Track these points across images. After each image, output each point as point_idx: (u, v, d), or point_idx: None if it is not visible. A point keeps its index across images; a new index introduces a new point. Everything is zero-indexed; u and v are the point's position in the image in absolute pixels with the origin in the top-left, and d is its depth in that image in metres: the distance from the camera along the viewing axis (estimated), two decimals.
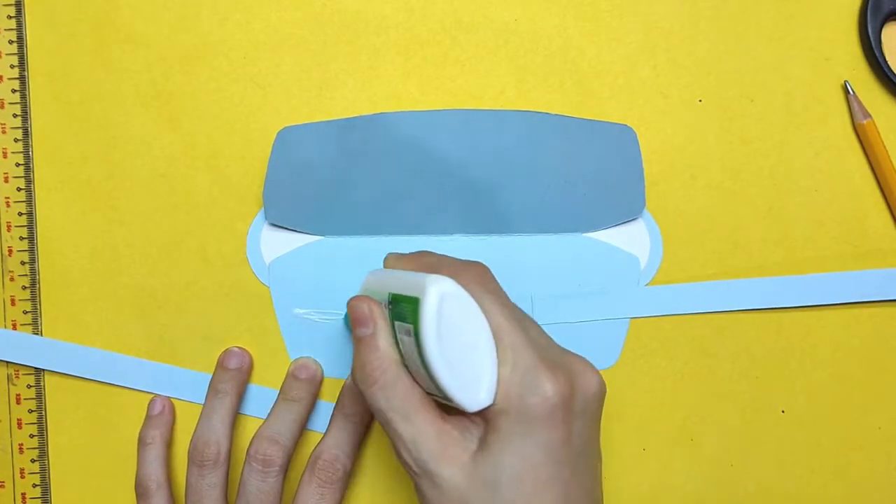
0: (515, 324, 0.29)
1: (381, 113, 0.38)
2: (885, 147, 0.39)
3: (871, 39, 0.39)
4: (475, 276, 0.31)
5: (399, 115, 0.38)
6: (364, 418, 0.37)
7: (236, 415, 0.38)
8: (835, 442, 0.39)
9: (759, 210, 0.39)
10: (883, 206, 0.39)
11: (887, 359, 0.40)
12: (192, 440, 0.36)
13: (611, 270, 0.39)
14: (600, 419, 0.31)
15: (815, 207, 0.39)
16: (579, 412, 0.29)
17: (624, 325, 0.39)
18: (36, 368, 0.39)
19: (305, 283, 0.39)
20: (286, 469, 0.36)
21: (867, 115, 0.39)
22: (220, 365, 0.38)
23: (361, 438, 0.37)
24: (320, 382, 0.39)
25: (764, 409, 0.39)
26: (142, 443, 0.38)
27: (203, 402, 0.38)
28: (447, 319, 0.28)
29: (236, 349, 0.38)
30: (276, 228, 0.39)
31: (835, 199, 0.39)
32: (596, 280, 0.39)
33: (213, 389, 0.37)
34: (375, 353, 0.30)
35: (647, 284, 0.39)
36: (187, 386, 0.39)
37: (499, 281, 0.32)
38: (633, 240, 0.39)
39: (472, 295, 0.29)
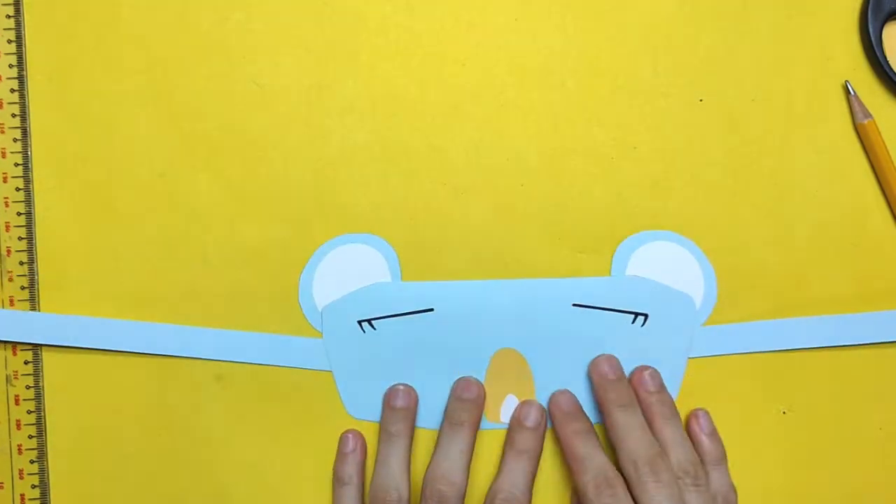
0: None
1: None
2: (885, 147, 0.39)
3: (872, 39, 0.39)
4: None
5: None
6: (536, 454, 0.37)
7: (410, 453, 0.37)
8: (836, 443, 0.39)
9: (759, 210, 0.39)
10: (884, 205, 0.39)
11: (888, 360, 0.40)
12: (371, 487, 0.36)
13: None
14: None
15: (816, 207, 0.39)
16: None
17: None
18: (34, 369, 0.39)
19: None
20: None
21: (868, 114, 0.39)
22: (388, 405, 0.38)
23: (535, 475, 0.37)
24: (483, 402, 0.38)
25: (765, 409, 0.39)
26: (339, 481, 0.38)
27: (220, 356, 0.38)
28: None
29: (401, 387, 0.38)
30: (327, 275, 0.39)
31: (836, 199, 0.39)
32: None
33: (384, 432, 0.37)
34: None
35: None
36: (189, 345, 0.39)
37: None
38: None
39: None
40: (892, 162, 0.39)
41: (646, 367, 0.38)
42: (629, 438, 0.36)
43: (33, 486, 0.39)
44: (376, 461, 0.37)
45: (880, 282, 0.39)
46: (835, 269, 0.39)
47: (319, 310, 0.39)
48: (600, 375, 0.38)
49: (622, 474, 0.35)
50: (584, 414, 0.38)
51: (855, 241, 0.39)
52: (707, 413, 0.39)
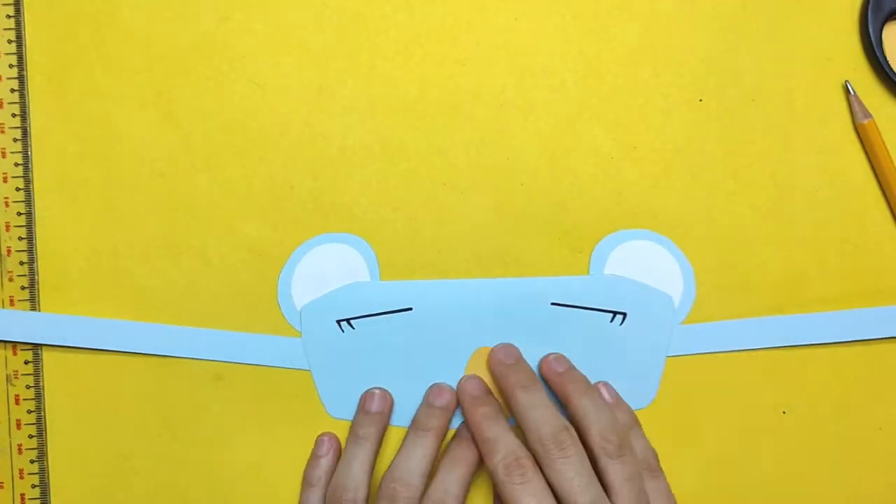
0: None
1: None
2: (885, 147, 0.39)
3: (872, 39, 0.39)
4: None
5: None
6: (473, 461, 0.37)
7: (376, 460, 0.38)
8: (835, 443, 0.40)
9: (759, 210, 0.39)
10: (883, 205, 0.40)
11: (887, 360, 0.40)
12: (331, 484, 0.37)
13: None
14: None
15: (817, 207, 0.40)
16: None
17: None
18: (34, 369, 0.39)
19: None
20: None
21: (868, 114, 0.39)
22: (362, 408, 0.38)
23: (470, 480, 0.37)
24: (454, 409, 0.38)
25: (765, 410, 0.39)
26: (306, 483, 0.38)
27: (226, 357, 0.39)
28: None
29: (377, 391, 0.38)
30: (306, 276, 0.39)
31: (836, 199, 0.40)
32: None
33: (353, 434, 0.38)
34: None
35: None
36: (186, 344, 0.39)
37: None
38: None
39: None
40: (892, 162, 0.39)
41: (550, 353, 0.38)
42: (533, 417, 0.35)
43: (33, 486, 0.39)
44: (340, 461, 0.37)
45: (881, 281, 0.40)
46: (835, 268, 0.40)
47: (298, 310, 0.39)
48: (498, 363, 0.38)
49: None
50: (493, 397, 0.38)
51: (855, 240, 0.40)
52: (608, 384, 0.39)
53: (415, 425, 0.38)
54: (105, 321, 0.39)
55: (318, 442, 0.39)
